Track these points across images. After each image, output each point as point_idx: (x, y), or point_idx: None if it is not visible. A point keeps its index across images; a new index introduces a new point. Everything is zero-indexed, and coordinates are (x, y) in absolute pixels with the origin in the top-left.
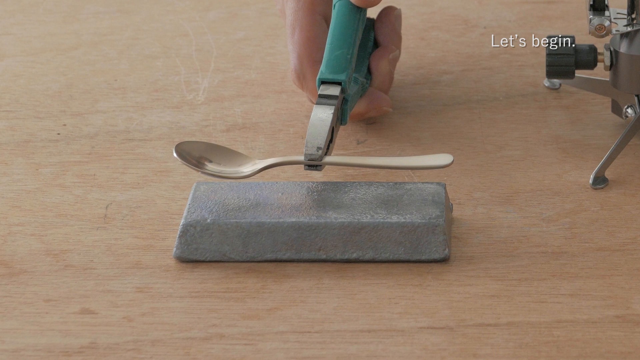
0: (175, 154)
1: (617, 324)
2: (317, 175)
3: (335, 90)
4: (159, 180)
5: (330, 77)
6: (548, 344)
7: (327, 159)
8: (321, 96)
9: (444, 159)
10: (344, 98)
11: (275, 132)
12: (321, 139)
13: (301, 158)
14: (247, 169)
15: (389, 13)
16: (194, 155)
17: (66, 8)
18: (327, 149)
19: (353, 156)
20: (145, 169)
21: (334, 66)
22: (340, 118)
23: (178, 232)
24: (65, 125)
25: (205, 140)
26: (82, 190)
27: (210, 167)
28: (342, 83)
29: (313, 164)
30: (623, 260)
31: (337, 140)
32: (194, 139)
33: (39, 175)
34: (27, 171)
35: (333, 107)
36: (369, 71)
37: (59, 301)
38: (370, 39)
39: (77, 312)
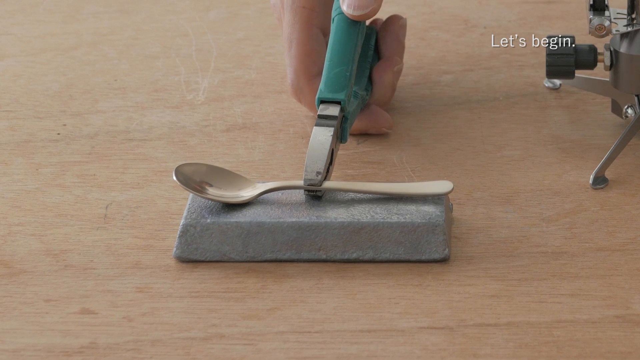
0: (174, 178)
1: (617, 324)
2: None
3: (334, 110)
4: (159, 180)
5: (329, 96)
6: (548, 344)
7: (327, 184)
8: (320, 117)
9: (444, 186)
10: (343, 116)
11: (275, 132)
12: (320, 163)
13: (301, 183)
14: (247, 193)
15: (394, 23)
16: (195, 179)
17: (66, 8)
18: (327, 172)
19: (353, 182)
20: (145, 169)
21: (333, 85)
22: (340, 137)
23: (178, 232)
24: (65, 125)
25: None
26: (82, 190)
27: (211, 191)
28: (342, 102)
29: (312, 189)
30: (623, 260)
31: None
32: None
33: (39, 175)
34: (27, 171)
35: (332, 129)
36: (370, 81)
37: (59, 301)
38: (371, 48)
39: (77, 312)
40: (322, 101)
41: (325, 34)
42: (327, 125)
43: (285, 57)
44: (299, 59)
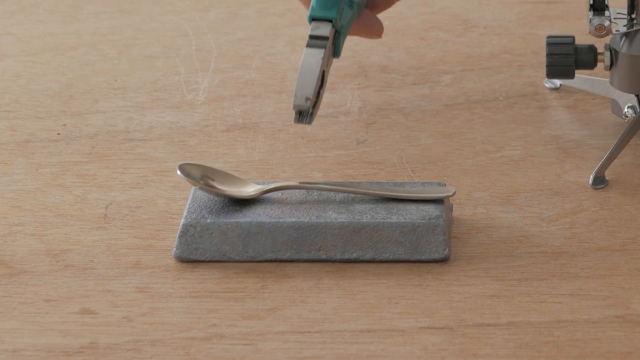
0: (179, 172)
1: (617, 324)
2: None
3: (325, 30)
4: (159, 180)
5: (321, 14)
6: (548, 344)
7: (328, 186)
8: (311, 37)
9: (446, 190)
10: (336, 31)
11: (275, 132)
12: (310, 88)
13: (302, 184)
14: (249, 189)
15: None
16: (196, 176)
17: (66, 8)
18: (318, 95)
19: (354, 183)
20: (145, 169)
21: (325, 1)
22: (333, 53)
23: (178, 232)
24: (65, 125)
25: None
26: (82, 190)
27: (214, 184)
28: (333, 20)
29: (302, 121)
30: (623, 260)
31: (337, 140)
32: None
33: (39, 175)
34: (27, 171)
35: (323, 51)
36: None
37: (59, 301)
38: None
39: (77, 312)
40: (314, 19)
41: None
42: (318, 47)
43: None
44: None
